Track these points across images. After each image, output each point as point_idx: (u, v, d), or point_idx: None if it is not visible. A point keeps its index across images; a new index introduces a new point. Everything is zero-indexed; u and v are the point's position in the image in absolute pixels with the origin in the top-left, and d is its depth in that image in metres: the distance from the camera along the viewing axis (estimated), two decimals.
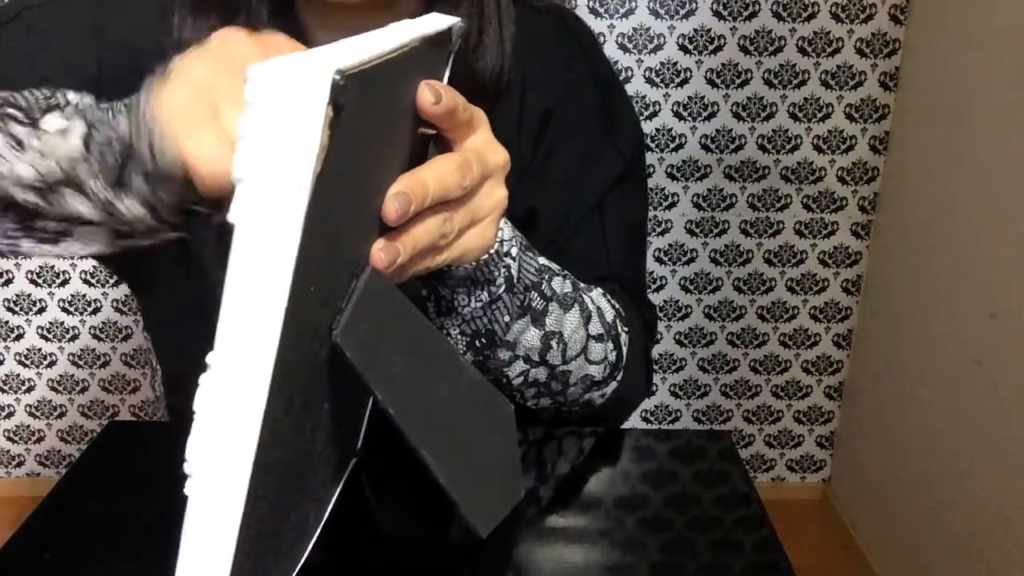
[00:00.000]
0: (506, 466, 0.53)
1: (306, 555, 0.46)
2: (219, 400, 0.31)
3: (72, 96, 0.41)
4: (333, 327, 0.37)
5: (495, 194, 0.46)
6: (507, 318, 0.55)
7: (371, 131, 0.36)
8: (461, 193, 0.42)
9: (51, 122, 0.40)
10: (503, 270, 0.53)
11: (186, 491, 0.32)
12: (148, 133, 0.38)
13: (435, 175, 0.41)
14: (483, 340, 0.55)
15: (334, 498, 0.51)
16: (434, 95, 0.39)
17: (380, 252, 0.39)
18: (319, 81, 0.30)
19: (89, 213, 0.41)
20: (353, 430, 0.53)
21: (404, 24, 0.40)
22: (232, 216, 0.31)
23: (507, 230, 0.53)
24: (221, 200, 0.40)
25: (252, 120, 0.31)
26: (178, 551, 0.33)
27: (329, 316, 0.37)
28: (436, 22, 0.43)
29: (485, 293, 0.53)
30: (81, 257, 0.79)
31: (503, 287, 0.53)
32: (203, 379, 0.31)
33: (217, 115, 0.38)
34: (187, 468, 0.32)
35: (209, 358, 0.31)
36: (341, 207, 0.35)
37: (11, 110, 0.41)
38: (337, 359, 0.37)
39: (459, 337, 0.55)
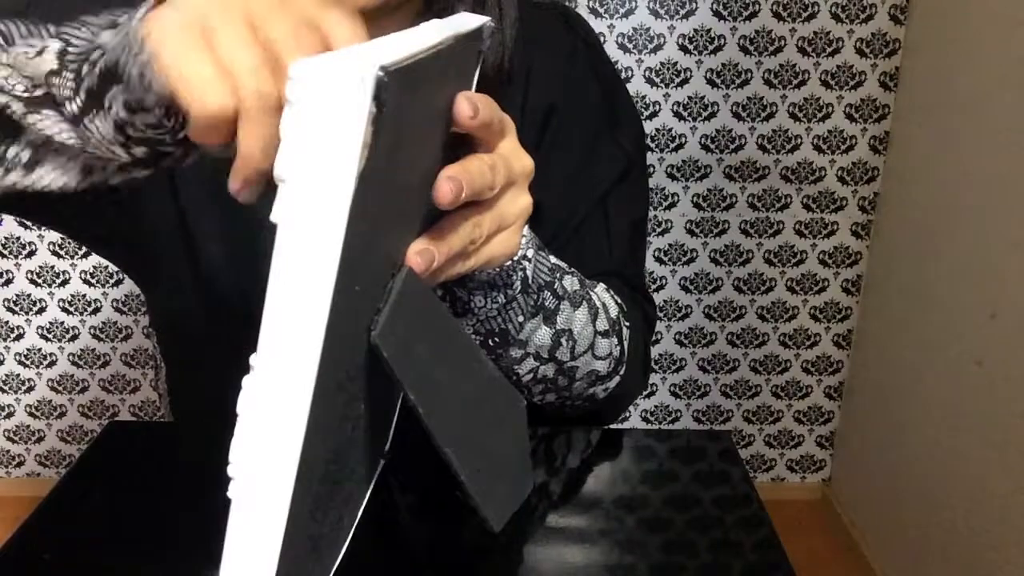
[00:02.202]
0: (518, 460, 0.53)
1: (341, 556, 0.46)
2: (263, 402, 0.31)
3: (53, 28, 0.40)
4: (372, 327, 0.37)
5: (520, 201, 0.46)
6: (521, 318, 0.55)
7: (409, 129, 0.36)
8: (491, 195, 0.42)
9: (29, 41, 0.39)
10: (520, 272, 0.53)
11: (229, 494, 0.32)
12: (138, 57, 0.36)
13: (476, 170, 0.41)
14: (496, 339, 0.55)
15: (365, 499, 0.51)
16: (471, 109, 0.39)
17: (416, 256, 0.39)
18: (363, 78, 0.30)
19: (59, 132, 0.39)
20: (383, 431, 0.53)
21: (435, 23, 0.41)
22: (275, 216, 0.31)
23: (525, 232, 0.53)
24: (194, 141, 0.38)
25: (294, 118, 0.31)
26: (220, 554, 0.33)
27: (368, 316, 0.37)
28: (467, 21, 0.44)
29: (502, 295, 0.53)
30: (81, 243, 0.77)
31: (519, 288, 0.54)
32: (246, 381, 0.31)
33: (212, 44, 0.35)
34: (230, 471, 0.32)
35: (252, 359, 0.31)
36: (381, 205, 0.35)
37: None
38: (373, 359, 0.37)
39: (472, 336, 0.55)
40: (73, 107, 0.38)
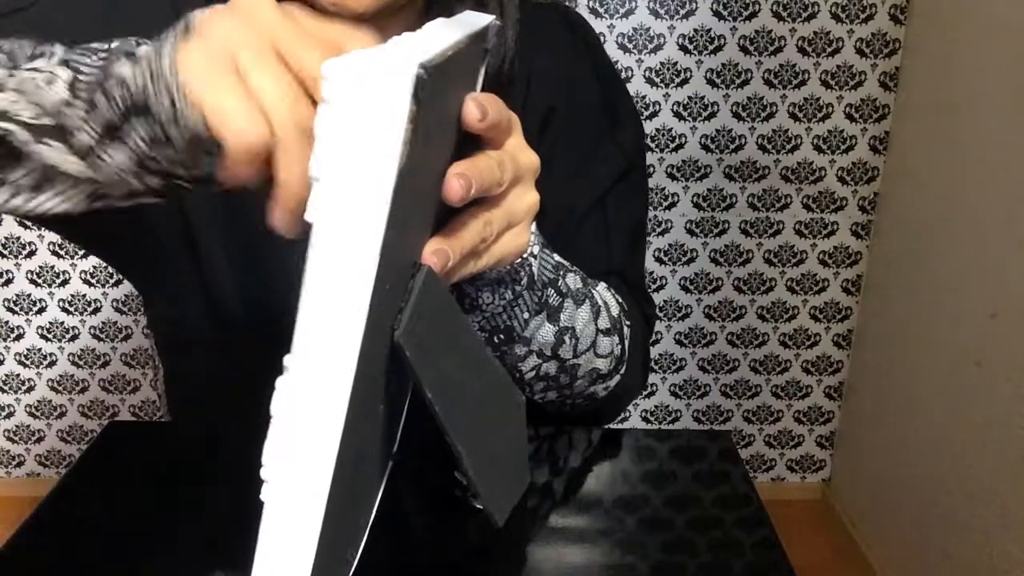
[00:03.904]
0: (517, 454, 0.53)
1: (358, 558, 0.46)
2: (299, 403, 0.31)
3: (59, 48, 0.39)
4: (394, 327, 0.37)
5: (527, 197, 0.46)
6: (526, 315, 0.55)
7: (434, 126, 0.36)
8: (499, 191, 0.43)
9: (35, 65, 0.38)
10: (526, 268, 0.53)
11: (262, 497, 0.31)
12: (169, 90, 0.35)
13: (484, 167, 0.41)
14: (501, 336, 0.56)
15: (378, 499, 0.51)
16: (480, 111, 0.39)
17: (432, 256, 0.39)
18: (403, 76, 0.30)
19: (64, 163, 0.38)
20: (394, 431, 0.53)
21: (443, 22, 0.41)
22: (310, 216, 0.31)
23: (532, 229, 0.53)
24: (224, 176, 0.39)
25: (331, 118, 0.30)
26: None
27: (391, 315, 0.37)
28: (474, 20, 0.44)
29: (509, 291, 0.53)
30: (58, 232, 0.75)
31: (525, 284, 0.54)
32: (280, 383, 0.31)
33: (244, 76, 0.35)
34: (264, 473, 0.31)
35: (287, 360, 0.31)
36: (408, 204, 0.35)
37: None
38: (394, 358, 0.37)
39: (478, 333, 0.55)
40: (85, 138, 0.37)
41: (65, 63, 0.38)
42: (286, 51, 0.36)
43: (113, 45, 0.38)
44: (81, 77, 0.37)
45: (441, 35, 0.36)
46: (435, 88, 0.33)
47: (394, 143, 0.30)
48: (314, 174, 0.31)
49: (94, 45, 0.39)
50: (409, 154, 0.31)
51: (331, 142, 0.30)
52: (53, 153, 0.38)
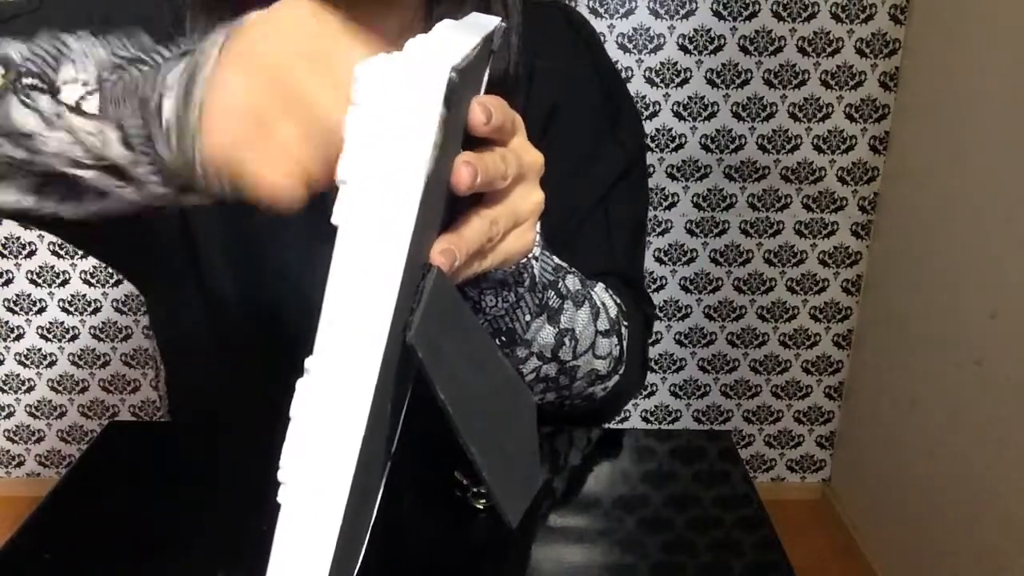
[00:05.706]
0: (529, 456, 0.53)
1: (361, 557, 0.46)
2: (321, 406, 0.31)
3: (73, 43, 0.41)
4: (407, 328, 0.36)
5: (532, 197, 0.46)
6: (528, 317, 0.55)
7: (454, 130, 0.36)
8: (503, 184, 0.43)
9: (70, 91, 0.40)
10: (528, 270, 0.53)
11: (279, 499, 0.31)
12: (193, 151, 0.37)
13: (488, 158, 0.41)
14: (503, 339, 0.56)
15: (378, 500, 0.51)
16: (485, 115, 0.40)
17: (440, 256, 0.39)
18: (436, 80, 0.30)
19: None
20: (394, 431, 0.53)
21: (455, 23, 0.40)
22: (336, 218, 0.30)
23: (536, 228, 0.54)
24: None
25: (362, 121, 0.30)
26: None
27: (403, 317, 0.37)
28: (482, 22, 0.44)
29: (512, 294, 0.53)
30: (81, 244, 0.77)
31: (527, 287, 0.54)
32: (300, 384, 0.31)
33: (271, 131, 0.37)
34: (281, 476, 0.31)
35: (308, 363, 0.31)
36: (428, 206, 0.35)
37: (28, 79, 0.40)
38: (404, 359, 0.37)
39: (487, 333, 0.55)
40: (155, 186, 0.40)
41: (110, 116, 0.40)
42: (323, 59, 0.37)
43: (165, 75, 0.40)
44: (131, 131, 0.39)
45: (456, 38, 0.36)
46: (461, 91, 0.33)
47: (426, 148, 0.30)
48: (342, 177, 0.30)
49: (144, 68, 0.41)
50: (436, 158, 0.31)
51: (362, 145, 0.30)
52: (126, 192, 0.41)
